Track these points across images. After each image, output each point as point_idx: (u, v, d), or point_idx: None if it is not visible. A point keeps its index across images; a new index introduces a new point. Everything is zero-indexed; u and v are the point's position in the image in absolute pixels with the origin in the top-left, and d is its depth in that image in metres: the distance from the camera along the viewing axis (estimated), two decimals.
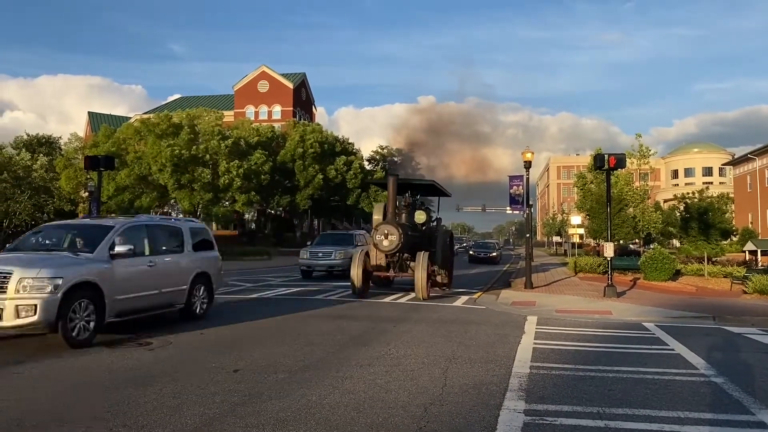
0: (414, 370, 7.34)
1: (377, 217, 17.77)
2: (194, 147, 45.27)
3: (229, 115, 68.10)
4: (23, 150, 56.78)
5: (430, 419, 5.36)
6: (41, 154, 56.61)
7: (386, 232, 15.81)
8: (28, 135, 63.96)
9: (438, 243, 17.88)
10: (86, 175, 43.67)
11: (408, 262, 16.92)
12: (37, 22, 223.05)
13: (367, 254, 16.84)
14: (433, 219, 19.50)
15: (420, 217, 17.79)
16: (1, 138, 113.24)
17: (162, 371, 7.11)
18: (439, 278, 17.76)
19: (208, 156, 45.67)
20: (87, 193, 43.18)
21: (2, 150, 52.46)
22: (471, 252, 43.00)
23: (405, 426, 5.16)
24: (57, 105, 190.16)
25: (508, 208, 29.10)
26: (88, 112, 78.54)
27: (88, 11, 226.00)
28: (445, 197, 22.01)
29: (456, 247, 56.80)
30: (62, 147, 61.69)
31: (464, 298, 16.97)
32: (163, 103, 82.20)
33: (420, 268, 15.59)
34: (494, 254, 41.82)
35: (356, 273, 16.15)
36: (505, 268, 35.36)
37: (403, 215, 17.76)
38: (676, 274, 23.80)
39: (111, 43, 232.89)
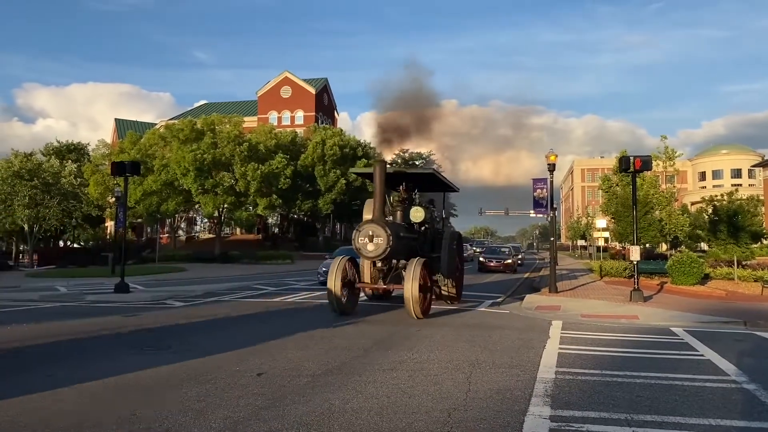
0: (437, 375, 7.29)
1: (367, 216, 14.57)
2: (215, 151, 45.85)
3: (252, 121, 68.88)
4: (53, 157, 58.03)
5: (454, 425, 5.31)
6: (70, 161, 57.80)
7: (371, 233, 12.78)
8: (59, 142, 65.43)
9: (442, 247, 15.19)
10: (113, 180, 44.51)
11: (404, 271, 13.80)
12: (67, 32, 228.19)
13: (351, 261, 14.07)
14: (437, 218, 16.86)
15: (417, 214, 14.80)
16: (35, 145, 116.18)
17: (187, 375, 7.17)
18: (444, 289, 15.31)
19: (224, 158, 46.21)
20: (114, 199, 43.92)
21: (32, 156, 53.68)
22: (481, 259, 35.40)
23: (429, 431, 5.12)
24: (87, 112, 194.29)
25: (532, 211, 28.63)
26: (115, 119, 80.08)
27: (116, 22, 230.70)
28: (452, 192, 18.96)
29: (477, 251, 53.60)
30: (90, 153, 62.96)
31: (487, 302, 16.83)
32: (189, 109, 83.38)
33: (410, 279, 12.39)
34: (509, 261, 34.41)
35: (334, 285, 13.03)
36: (525, 276, 31.61)
37: (398, 213, 15.01)
38: (705, 278, 23.34)
39: (139, 52, 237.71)
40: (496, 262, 34.00)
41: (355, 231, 13.19)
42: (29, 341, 9.75)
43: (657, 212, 36.07)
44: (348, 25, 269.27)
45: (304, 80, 76.46)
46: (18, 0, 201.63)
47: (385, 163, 14.26)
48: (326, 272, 18.15)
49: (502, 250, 38.22)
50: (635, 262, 17.60)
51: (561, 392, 6.52)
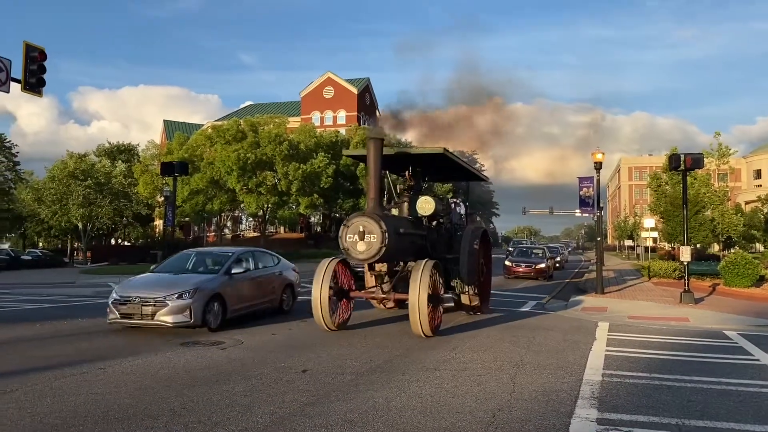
0: (481, 375, 7.25)
1: None
2: (257, 150, 46.64)
3: (296, 121, 69.68)
4: (104, 157, 60.09)
5: (499, 425, 5.28)
6: (120, 161, 59.72)
7: (362, 229, 10.06)
8: (110, 143, 67.54)
9: (462, 247, 12.42)
10: (162, 180, 45.78)
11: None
12: (120, 38, 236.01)
13: (343, 263, 11.44)
14: (460, 212, 14.17)
15: (425, 206, 11.74)
16: (90, 146, 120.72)
17: (234, 370, 7.33)
18: (465, 298, 12.35)
19: (266, 157, 46.95)
20: (163, 198, 45.17)
21: (86, 157, 55.70)
22: (507, 263, 28.19)
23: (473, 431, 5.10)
24: (138, 114, 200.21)
25: (578, 210, 28.03)
26: (164, 120, 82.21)
27: (166, 27, 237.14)
28: (485, 184, 16.68)
29: (510, 251, 38.82)
30: (140, 154, 64.91)
31: (531, 303, 16.61)
32: (235, 110, 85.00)
33: (416, 287, 9.76)
34: (542, 266, 27.17)
35: (321, 295, 10.47)
36: (566, 282, 26.44)
37: (405, 205, 12.26)
38: (760, 280, 22.44)
39: (188, 56, 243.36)
40: (526, 266, 27.29)
41: (342, 226, 10.42)
42: (82, 336, 10.12)
43: (709, 212, 34.98)
44: (391, 26, 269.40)
45: (347, 80, 76.91)
46: (73, 9, 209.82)
47: (382, 140, 11.11)
48: (120, 302, 10.48)
49: (534, 252, 30.98)
50: (685, 263, 17.10)
51: (608, 395, 6.39)
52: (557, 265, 34.04)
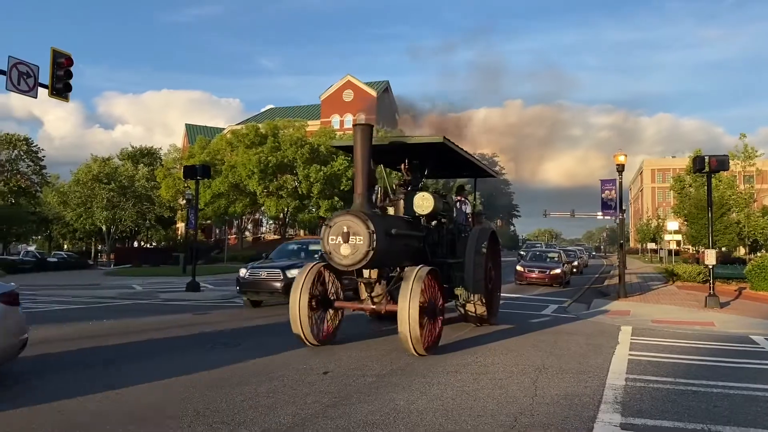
0: (502, 379, 7.21)
1: None
2: (278, 153, 47.07)
3: (315, 124, 70.10)
4: (128, 161, 61.06)
5: (520, 429, 5.25)
6: (143, 165, 60.61)
7: (346, 230, 8.65)
8: (133, 147, 68.61)
9: (467, 250, 11.09)
10: (184, 183, 46.35)
11: None
12: (143, 43, 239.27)
13: (329, 268, 9.68)
14: (466, 211, 13.03)
15: (422, 203, 10.29)
16: (114, 150, 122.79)
17: (257, 371, 7.39)
18: (470, 307, 11.03)
19: (286, 160, 47.34)
20: (185, 201, 45.69)
21: (109, 161, 56.66)
22: (518, 268, 26.06)
23: None
24: (161, 118, 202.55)
25: (599, 213, 27.76)
26: (186, 124, 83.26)
27: (188, 32, 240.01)
28: (496, 180, 15.41)
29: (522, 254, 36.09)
30: (162, 158, 65.82)
31: (553, 306, 16.49)
32: (255, 114, 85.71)
33: (407, 298, 8.31)
34: (557, 272, 25.06)
35: (300, 305, 9.03)
36: (587, 287, 25.05)
37: (401, 203, 10.80)
38: None
39: (210, 61, 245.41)
40: (539, 272, 25.06)
41: (324, 227, 9.07)
42: (107, 337, 10.29)
43: (734, 214, 34.48)
44: (410, 30, 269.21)
45: (366, 83, 77.22)
46: (97, 16, 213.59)
47: (371, 127, 9.51)
48: None
49: (549, 255, 28.66)
50: (710, 267, 16.85)
51: (632, 400, 6.32)
52: (574, 270, 31.93)
